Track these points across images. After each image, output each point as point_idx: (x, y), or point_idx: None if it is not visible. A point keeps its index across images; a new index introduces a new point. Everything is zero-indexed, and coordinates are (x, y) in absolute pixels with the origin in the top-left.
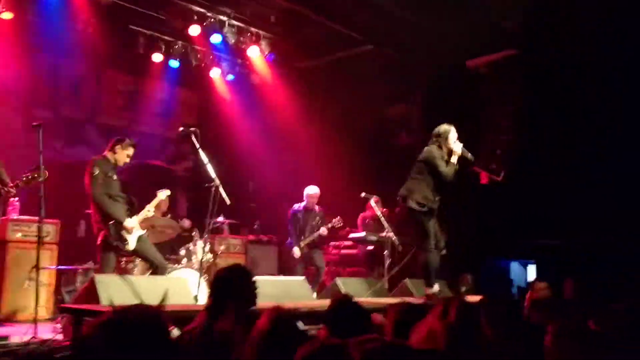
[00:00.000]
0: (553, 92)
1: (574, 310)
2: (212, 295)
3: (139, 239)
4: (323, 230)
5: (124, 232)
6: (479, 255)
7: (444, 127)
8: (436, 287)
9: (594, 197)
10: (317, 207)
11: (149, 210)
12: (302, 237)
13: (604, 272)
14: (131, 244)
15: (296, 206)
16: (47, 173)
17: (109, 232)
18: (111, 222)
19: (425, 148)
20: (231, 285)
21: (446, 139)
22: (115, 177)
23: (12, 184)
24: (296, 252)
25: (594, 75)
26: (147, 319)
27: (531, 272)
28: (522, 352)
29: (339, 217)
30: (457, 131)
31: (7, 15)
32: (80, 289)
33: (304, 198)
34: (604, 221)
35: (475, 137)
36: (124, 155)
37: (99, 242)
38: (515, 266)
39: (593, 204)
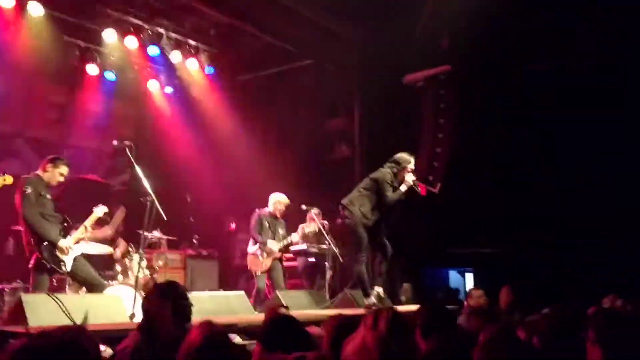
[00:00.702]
0: (486, 105)
1: (508, 317)
2: (144, 314)
3: (75, 259)
4: (294, 237)
5: (59, 253)
6: (418, 265)
7: (404, 156)
8: (375, 295)
9: (528, 205)
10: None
11: (85, 228)
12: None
13: (541, 279)
14: (68, 265)
15: (259, 210)
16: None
17: (43, 255)
18: (45, 243)
19: (380, 169)
20: (163, 303)
21: (403, 168)
22: (48, 196)
23: None
24: (274, 246)
25: (524, 89)
26: (68, 341)
27: (469, 280)
28: None
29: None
30: (396, 143)
31: None
32: (7, 310)
33: (271, 205)
34: (540, 229)
35: (413, 150)
36: (56, 174)
37: (31, 265)
38: (453, 275)
39: (528, 212)
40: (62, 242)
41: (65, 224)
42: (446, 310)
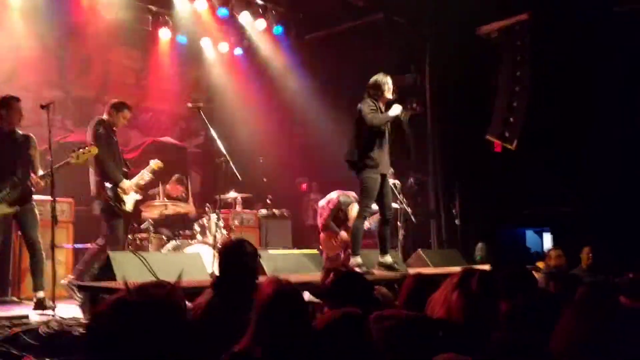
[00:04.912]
0: (565, 55)
1: (589, 279)
2: (218, 271)
3: (136, 203)
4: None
5: (120, 193)
6: (494, 224)
7: (377, 77)
8: (359, 259)
9: (609, 162)
10: None
11: (145, 176)
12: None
13: (621, 239)
14: (128, 205)
15: None
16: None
17: (107, 193)
18: (108, 182)
19: (359, 104)
20: (231, 260)
21: (382, 91)
22: (115, 139)
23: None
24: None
25: (605, 38)
26: (161, 297)
27: (547, 240)
28: (540, 322)
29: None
30: (469, 99)
31: None
32: (97, 267)
33: None
34: (621, 187)
35: (488, 105)
36: (119, 118)
37: (102, 206)
38: (530, 235)
39: (609, 169)
40: (124, 183)
41: (127, 169)
42: (527, 270)
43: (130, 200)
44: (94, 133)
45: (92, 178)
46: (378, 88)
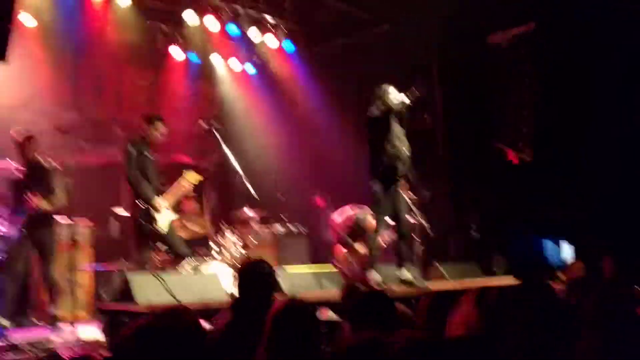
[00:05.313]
0: (576, 62)
1: (612, 291)
2: (237, 292)
3: (170, 224)
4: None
5: (152, 211)
6: (511, 235)
7: (380, 88)
8: (377, 276)
9: (626, 168)
10: None
11: (183, 186)
12: None
13: None
14: (161, 224)
15: None
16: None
17: (139, 212)
18: (140, 200)
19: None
20: (250, 281)
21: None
22: (150, 156)
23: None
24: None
25: (617, 45)
26: (183, 323)
27: (567, 250)
28: (559, 336)
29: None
30: (480, 110)
31: (31, 24)
32: (115, 288)
33: None
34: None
35: (499, 115)
36: (154, 132)
37: (133, 225)
38: (550, 244)
39: (626, 175)
40: (156, 201)
41: (161, 186)
42: (545, 283)
43: (163, 220)
44: (124, 153)
45: (128, 198)
46: (379, 99)
